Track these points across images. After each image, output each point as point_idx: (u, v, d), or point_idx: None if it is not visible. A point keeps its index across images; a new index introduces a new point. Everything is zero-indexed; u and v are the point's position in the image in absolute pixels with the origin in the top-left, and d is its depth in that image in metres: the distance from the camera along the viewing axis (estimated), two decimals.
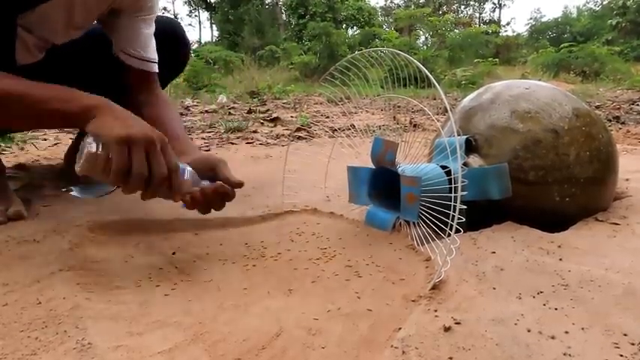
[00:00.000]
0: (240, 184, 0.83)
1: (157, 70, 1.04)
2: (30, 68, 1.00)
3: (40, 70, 1.03)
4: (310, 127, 2.37)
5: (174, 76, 1.30)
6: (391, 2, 31.63)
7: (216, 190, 0.79)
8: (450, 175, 0.86)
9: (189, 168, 0.76)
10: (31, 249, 0.80)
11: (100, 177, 0.67)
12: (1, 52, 0.85)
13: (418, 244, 0.79)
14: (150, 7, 1.01)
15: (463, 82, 5.79)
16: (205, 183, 0.79)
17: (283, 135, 2.28)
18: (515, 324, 0.57)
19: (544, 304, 0.61)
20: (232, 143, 2.03)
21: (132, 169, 0.66)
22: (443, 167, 0.88)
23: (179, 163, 0.72)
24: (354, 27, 16.04)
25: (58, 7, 0.91)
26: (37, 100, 0.73)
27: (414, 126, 2.22)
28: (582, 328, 0.56)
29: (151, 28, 1.02)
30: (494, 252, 0.77)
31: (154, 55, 1.02)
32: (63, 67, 1.07)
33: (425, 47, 9.19)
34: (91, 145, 0.66)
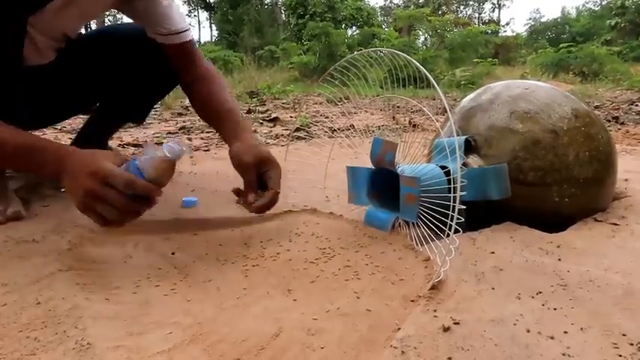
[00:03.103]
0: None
1: (188, 38, 1.02)
2: (41, 69, 1.01)
3: (52, 70, 1.04)
4: (309, 128, 2.37)
5: (178, 82, 1.28)
6: (390, 2, 31.67)
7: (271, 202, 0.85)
8: (450, 175, 0.86)
9: (143, 157, 0.71)
10: (31, 249, 0.80)
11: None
12: (8, 52, 0.85)
13: (417, 245, 0.79)
14: None
15: (462, 82, 5.79)
16: (174, 147, 0.72)
17: (282, 135, 2.28)
18: (515, 324, 0.57)
19: (543, 305, 0.61)
20: None
21: (105, 218, 0.70)
22: (442, 167, 0.88)
23: (132, 165, 0.70)
24: (354, 27, 16.04)
25: (68, 4, 0.91)
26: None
27: (414, 126, 2.22)
28: (581, 329, 0.56)
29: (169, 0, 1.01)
30: (493, 252, 0.77)
31: (180, 25, 1.01)
32: (73, 69, 1.08)
33: (424, 47, 9.19)
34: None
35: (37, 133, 2.25)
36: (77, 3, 0.92)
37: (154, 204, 0.73)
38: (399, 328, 0.56)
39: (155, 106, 1.43)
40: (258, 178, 0.87)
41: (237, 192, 0.87)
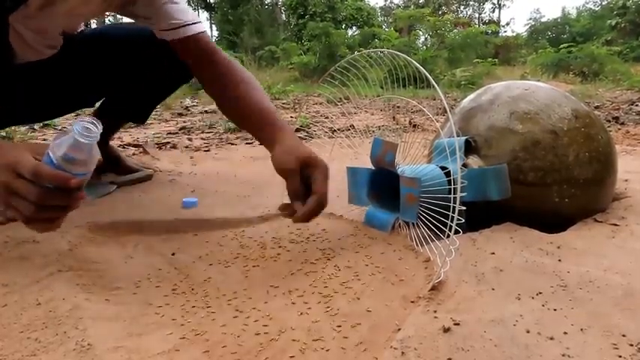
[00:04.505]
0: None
1: (199, 30, 0.94)
2: (39, 64, 1.01)
3: (50, 66, 1.04)
4: (310, 128, 2.37)
5: (180, 84, 1.28)
6: (391, 2, 31.67)
7: (317, 206, 0.76)
8: (450, 176, 0.86)
9: (53, 142, 0.60)
10: (31, 250, 0.80)
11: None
12: None
13: (417, 245, 0.79)
14: None
15: (462, 82, 5.78)
16: (84, 127, 0.59)
17: None
18: (515, 325, 0.57)
19: (543, 305, 0.61)
20: (232, 144, 2.03)
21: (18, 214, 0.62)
22: (442, 168, 0.88)
23: (45, 154, 0.60)
24: (354, 27, 16.04)
25: (52, 2, 0.89)
26: None
27: (414, 126, 2.22)
28: (581, 329, 0.56)
29: None
30: (493, 253, 0.77)
31: (184, 18, 0.93)
32: (73, 65, 1.08)
33: (424, 47, 9.18)
34: None
35: (34, 127, 2.25)
36: (62, 1, 0.91)
37: (80, 197, 0.63)
38: (399, 329, 0.56)
39: (156, 107, 1.44)
40: (304, 182, 0.79)
41: (283, 207, 0.80)
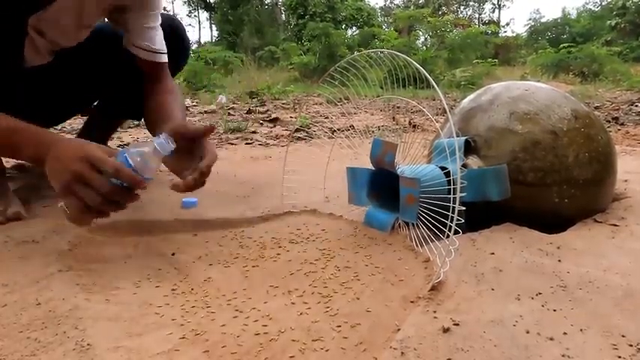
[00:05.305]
0: (210, 130, 0.85)
1: (165, 60, 1.08)
2: (39, 70, 1.01)
3: (50, 71, 1.04)
4: (309, 128, 2.37)
5: (176, 72, 1.30)
6: (391, 2, 31.69)
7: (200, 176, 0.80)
8: (449, 176, 0.86)
9: (132, 149, 0.72)
10: (31, 249, 0.80)
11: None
12: (9, 53, 0.85)
13: (417, 246, 0.79)
14: (155, 2, 1.03)
15: (462, 82, 5.78)
16: (164, 142, 0.73)
17: (282, 135, 2.28)
18: (514, 325, 0.57)
19: (543, 306, 0.61)
20: (231, 144, 2.04)
21: (86, 204, 0.70)
22: (442, 168, 0.88)
23: (120, 155, 0.71)
24: (354, 27, 16.05)
25: (69, 6, 0.92)
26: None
27: (414, 127, 2.22)
28: (581, 330, 0.56)
29: (157, 22, 1.06)
30: (493, 253, 0.77)
31: (161, 47, 1.07)
32: (71, 68, 1.09)
33: (424, 48, 9.18)
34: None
35: None
36: (76, 8, 0.93)
37: (136, 199, 0.74)
38: (398, 329, 0.56)
39: None
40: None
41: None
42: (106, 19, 1.08)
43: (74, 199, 0.70)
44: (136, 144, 0.74)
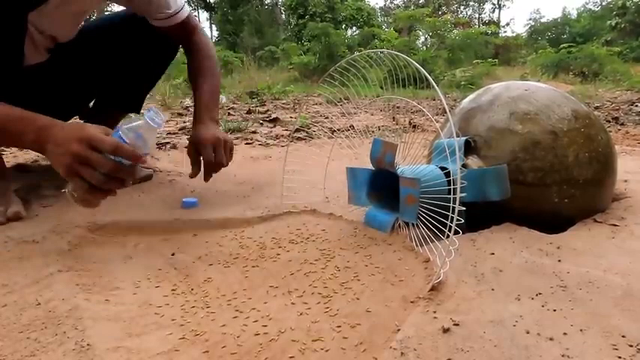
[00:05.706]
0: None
1: (184, 17, 1.13)
2: (36, 69, 1.01)
3: (46, 70, 1.04)
4: (309, 128, 2.37)
5: (166, 62, 1.32)
6: (391, 2, 31.68)
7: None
8: (449, 176, 0.86)
9: (125, 126, 0.74)
10: (31, 249, 0.80)
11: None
12: (9, 50, 0.85)
13: (417, 246, 0.79)
14: None
15: (462, 82, 5.79)
16: (154, 116, 0.75)
17: (282, 135, 2.28)
18: (514, 325, 0.57)
19: (543, 306, 0.61)
20: None
21: (91, 183, 0.73)
22: (442, 168, 0.88)
23: (114, 134, 0.73)
24: (354, 27, 16.04)
25: (66, 2, 0.92)
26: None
27: (414, 127, 2.22)
28: (581, 330, 0.56)
29: None
30: (493, 253, 0.77)
31: (175, 6, 1.11)
32: (67, 66, 1.09)
33: (424, 48, 9.18)
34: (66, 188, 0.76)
35: None
36: (74, 2, 0.94)
37: (137, 175, 0.78)
38: (398, 329, 0.56)
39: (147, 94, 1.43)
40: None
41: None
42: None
43: (78, 180, 0.72)
44: (128, 120, 0.75)
